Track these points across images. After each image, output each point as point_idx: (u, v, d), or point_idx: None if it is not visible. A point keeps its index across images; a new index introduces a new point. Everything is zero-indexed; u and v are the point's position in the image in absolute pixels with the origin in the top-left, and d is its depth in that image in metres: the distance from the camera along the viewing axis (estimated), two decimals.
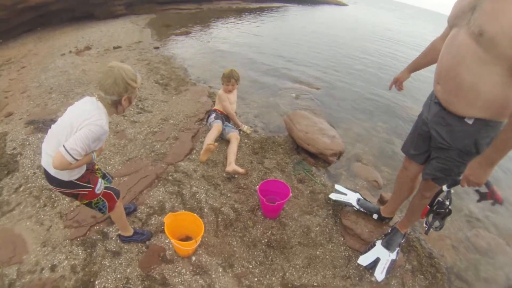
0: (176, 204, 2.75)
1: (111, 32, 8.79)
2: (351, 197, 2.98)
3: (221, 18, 13.33)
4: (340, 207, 3.05)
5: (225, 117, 3.87)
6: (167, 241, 2.37)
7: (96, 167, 2.20)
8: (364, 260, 2.45)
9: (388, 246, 2.47)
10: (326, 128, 4.09)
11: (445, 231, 3.10)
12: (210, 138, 3.38)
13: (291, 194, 2.72)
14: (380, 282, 2.33)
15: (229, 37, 9.92)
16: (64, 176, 1.78)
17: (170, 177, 3.07)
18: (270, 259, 2.42)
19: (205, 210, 2.75)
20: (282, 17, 16.89)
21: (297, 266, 2.42)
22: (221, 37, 9.65)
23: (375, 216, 2.79)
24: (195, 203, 2.80)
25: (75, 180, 1.82)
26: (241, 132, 3.96)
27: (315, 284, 2.32)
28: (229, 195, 2.99)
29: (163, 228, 2.43)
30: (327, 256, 2.55)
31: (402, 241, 2.53)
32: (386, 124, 5.22)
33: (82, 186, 1.87)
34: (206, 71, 6.31)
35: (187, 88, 5.17)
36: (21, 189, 2.79)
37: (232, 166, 3.22)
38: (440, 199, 2.11)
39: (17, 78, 5.25)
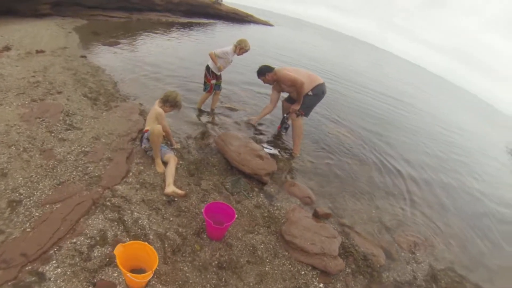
0: (119, 232, 2.60)
1: (35, 32, 7.92)
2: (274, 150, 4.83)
3: (151, 30, 12.94)
4: (278, 224, 3.29)
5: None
6: (115, 274, 2.23)
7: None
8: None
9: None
10: (257, 149, 4.30)
11: (374, 235, 3.72)
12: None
13: (236, 216, 2.82)
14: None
15: (159, 50, 9.69)
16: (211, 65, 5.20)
17: (108, 203, 2.87)
18: (224, 280, 2.49)
19: (150, 236, 2.66)
20: (211, 33, 17.15)
21: (251, 284, 2.54)
22: (151, 51, 9.37)
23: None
24: (139, 229, 2.69)
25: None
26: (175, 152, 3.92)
27: None
28: (171, 219, 2.94)
29: (108, 261, 2.30)
30: (276, 271, 2.74)
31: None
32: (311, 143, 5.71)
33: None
34: (136, 87, 6.06)
35: (117, 104, 4.89)
36: None
37: (171, 187, 3.19)
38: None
39: None
